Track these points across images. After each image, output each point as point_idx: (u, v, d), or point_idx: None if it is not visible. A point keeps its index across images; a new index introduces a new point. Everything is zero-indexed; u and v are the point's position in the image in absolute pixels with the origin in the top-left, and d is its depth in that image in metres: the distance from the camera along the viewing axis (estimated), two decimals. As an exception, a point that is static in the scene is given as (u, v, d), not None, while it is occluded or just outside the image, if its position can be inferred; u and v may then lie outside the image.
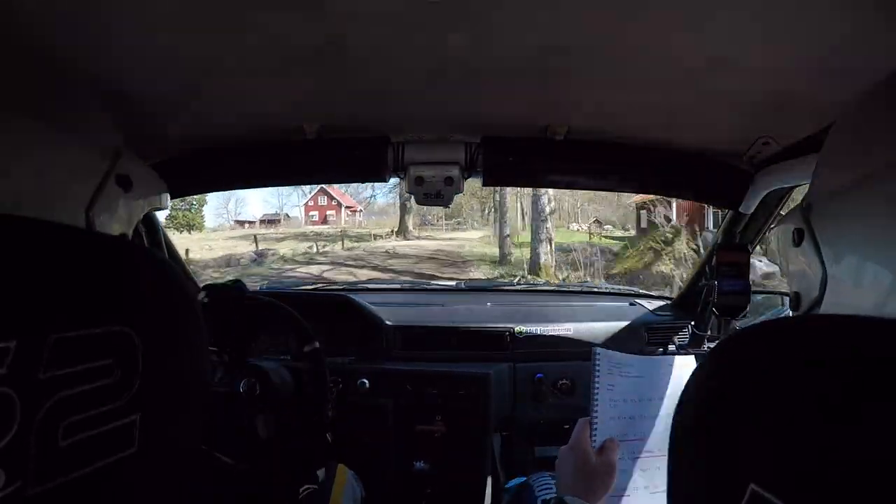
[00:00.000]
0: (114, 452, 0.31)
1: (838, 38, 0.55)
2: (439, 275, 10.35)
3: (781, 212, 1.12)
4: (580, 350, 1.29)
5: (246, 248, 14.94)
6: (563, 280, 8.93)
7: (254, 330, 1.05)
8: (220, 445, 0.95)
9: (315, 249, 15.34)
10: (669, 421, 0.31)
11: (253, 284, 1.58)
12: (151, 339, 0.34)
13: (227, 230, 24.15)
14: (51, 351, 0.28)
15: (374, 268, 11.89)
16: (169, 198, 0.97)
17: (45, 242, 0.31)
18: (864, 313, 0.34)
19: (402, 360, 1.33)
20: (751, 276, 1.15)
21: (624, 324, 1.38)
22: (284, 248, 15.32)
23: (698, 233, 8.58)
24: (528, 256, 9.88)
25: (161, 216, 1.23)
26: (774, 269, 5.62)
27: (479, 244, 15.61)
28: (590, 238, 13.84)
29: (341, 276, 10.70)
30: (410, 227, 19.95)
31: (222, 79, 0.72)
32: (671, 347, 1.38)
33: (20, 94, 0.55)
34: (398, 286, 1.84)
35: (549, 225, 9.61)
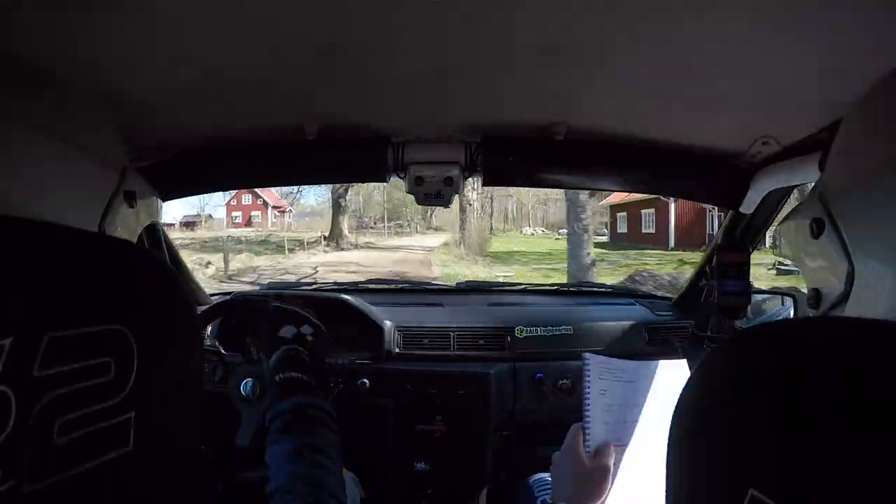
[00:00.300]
0: (109, 451, 0.31)
1: (838, 38, 0.55)
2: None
3: (781, 212, 1.12)
4: (580, 350, 1.29)
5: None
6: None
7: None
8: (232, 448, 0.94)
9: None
10: (663, 424, 0.31)
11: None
12: (147, 339, 0.34)
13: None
14: (46, 349, 0.28)
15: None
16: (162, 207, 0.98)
17: (43, 242, 0.31)
18: None
19: (402, 360, 1.32)
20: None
21: (624, 324, 1.38)
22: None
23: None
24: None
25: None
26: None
27: (447, 257, 11.28)
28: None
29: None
30: (346, 232, 16.30)
31: (222, 79, 0.72)
32: (671, 348, 1.38)
33: (35, 112, 0.55)
34: (398, 286, 1.84)
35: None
